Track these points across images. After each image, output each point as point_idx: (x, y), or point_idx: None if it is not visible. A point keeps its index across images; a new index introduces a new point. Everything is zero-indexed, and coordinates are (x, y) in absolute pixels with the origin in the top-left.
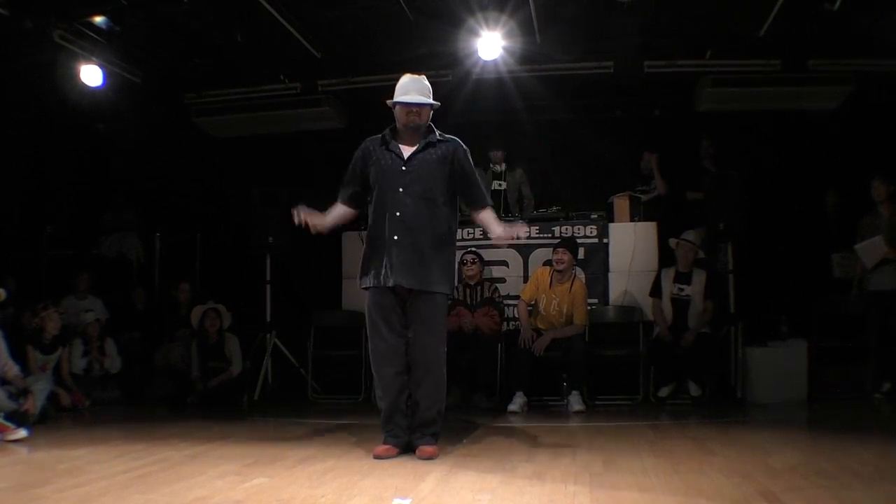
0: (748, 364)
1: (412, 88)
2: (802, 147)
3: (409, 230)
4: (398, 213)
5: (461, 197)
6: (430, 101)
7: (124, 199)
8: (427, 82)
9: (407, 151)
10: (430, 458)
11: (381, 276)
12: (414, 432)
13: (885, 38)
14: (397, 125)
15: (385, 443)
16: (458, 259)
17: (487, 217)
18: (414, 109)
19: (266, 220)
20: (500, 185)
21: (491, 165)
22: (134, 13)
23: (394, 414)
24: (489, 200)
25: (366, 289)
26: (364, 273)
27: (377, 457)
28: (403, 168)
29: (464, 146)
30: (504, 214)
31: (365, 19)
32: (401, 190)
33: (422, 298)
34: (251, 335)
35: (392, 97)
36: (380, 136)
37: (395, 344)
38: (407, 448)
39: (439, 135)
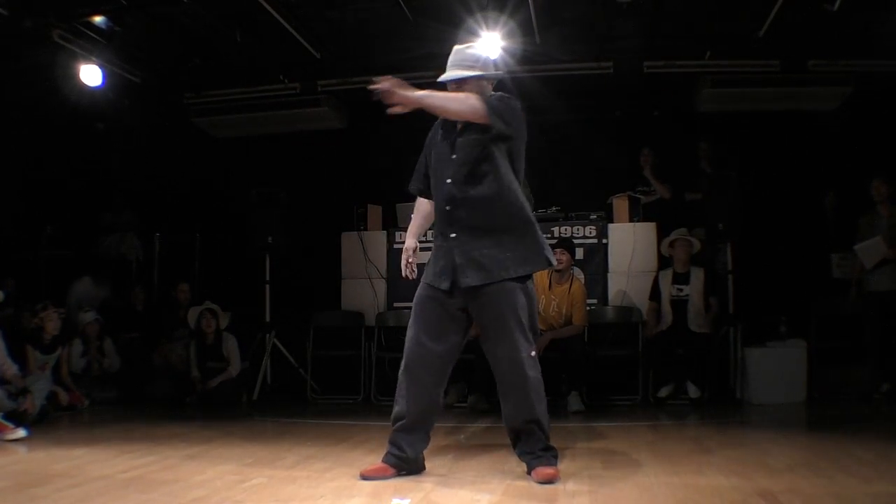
0: (747, 365)
1: (449, 63)
2: (802, 147)
3: (465, 224)
4: (448, 208)
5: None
6: (463, 73)
7: (123, 199)
8: (471, 50)
9: (453, 134)
10: (548, 481)
11: (437, 276)
12: (524, 455)
13: (884, 39)
14: None
15: (383, 460)
16: None
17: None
18: (451, 88)
19: (265, 220)
20: None
21: None
22: (133, 13)
23: (406, 428)
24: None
25: (427, 283)
26: (427, 270)
27: (364, 477)
28: (454, 156)
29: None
30: None
31: (364, 20)
32: (448, 181)
33: (490, 293)
34: (250, 335)
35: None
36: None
37: (435, 351)
38: (408, 472)
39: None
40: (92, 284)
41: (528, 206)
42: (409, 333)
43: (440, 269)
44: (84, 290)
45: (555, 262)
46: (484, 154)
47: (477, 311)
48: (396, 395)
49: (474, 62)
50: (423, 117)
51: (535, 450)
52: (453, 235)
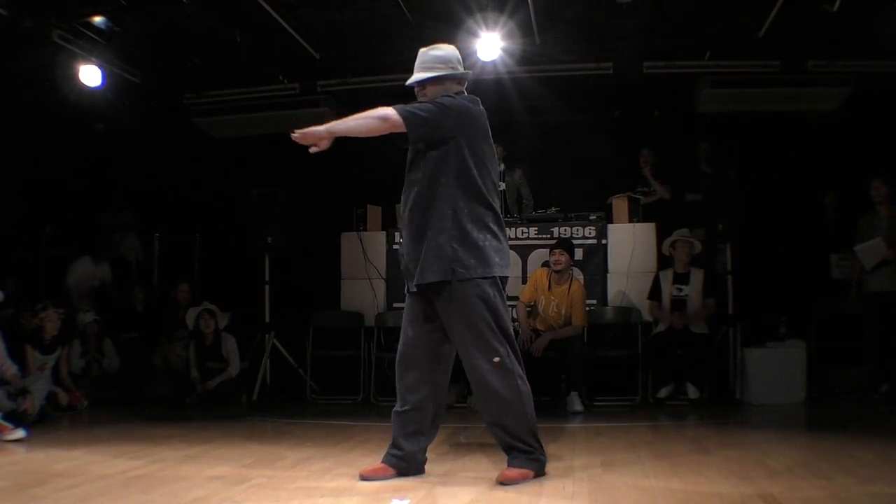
0: (747, 365)
1: (414, 67)
2: (802, 148)
3: (409, 224)
4: (403, 211)
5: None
6: (423, 75)
7: (123, 199)
8: (435, 52)
9: None
10: (502, 482)
11: (407, 282)
12: (506, 453)
13: (884, 40)
14: None
15: (383, 461)
16: None
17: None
18: (416, 90)
19: (265, 220)
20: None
21: None
22: (133, 13)
23: (406, 432)
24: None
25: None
26: None
27: (364, 477)
28: (409, 155)
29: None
30: (503, 215)
31: (364, 20)
32: (406, 184)
33: (443, 296)
34: (250, 335)
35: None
36: None
37: (422, 346)
38: (408, 473)
39: None
40: (91, 264)
41: (452, 212)
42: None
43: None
44: (83, 270)
45: (440, 278)
46: (416, 160)
47: (441, 317)
48: (397, 402)
49: (436, 63)
50: None
51: (511, 450)
52: (402, 237)
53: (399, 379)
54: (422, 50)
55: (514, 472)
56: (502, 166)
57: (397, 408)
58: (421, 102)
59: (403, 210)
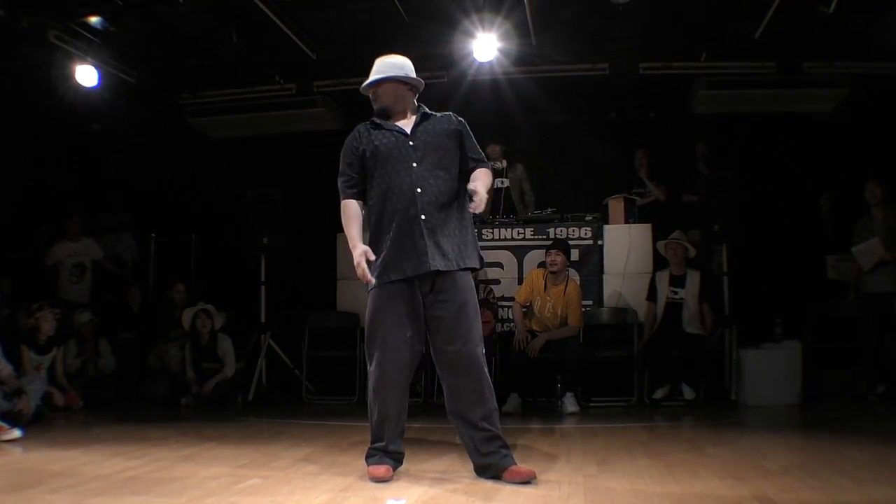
0: (742, 366)
1: (373, 71)
2: (797, 149)
3: (436, 207)
4: (419, 190)
5: (467, 163)
6: (389, 74)
7: (119, 199)
8: (396, 59)
9: (407, 126)
10: (528, 480)
11: (411, 266)
12: (487, 455)
13: (880, 41)
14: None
15: (382, 463)
16: None
17: (480, 173)
18: (379, 91)
19: (261, 220)
20: (502, 182)
21: (491, 162)
22: (129, 14)
23: (395, 433)
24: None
25: (388, 283)
26: (383, 268)
27: (377, 479)
28: (411, 143)
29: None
30: (508, 215)
31: (360, 21)
32: (415, 165)
33: (454, 278)
34: (245, 336)
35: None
36: (368, 122)
37: (412, 357)
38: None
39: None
40: (68, 242)
41: (461, 205)
42: (384, 342)
43: (408, 258)
44: (59, 250)
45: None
46: (444, 146)
47: (440, 300)
48: (375, 406)
49: (398, 69)
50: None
51: (494, 441)
52: (423, 217)
53: (385, 406)
54: (382, 58)
55: (526, 468)
56: (504, 164)
57: (384, 415)
58: None
59: (420, 189)
